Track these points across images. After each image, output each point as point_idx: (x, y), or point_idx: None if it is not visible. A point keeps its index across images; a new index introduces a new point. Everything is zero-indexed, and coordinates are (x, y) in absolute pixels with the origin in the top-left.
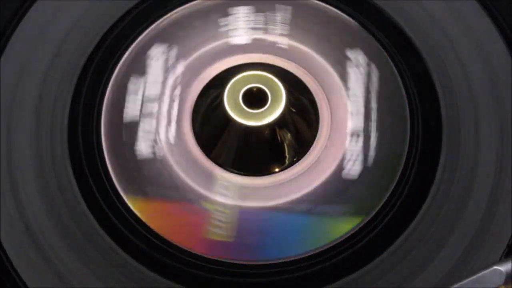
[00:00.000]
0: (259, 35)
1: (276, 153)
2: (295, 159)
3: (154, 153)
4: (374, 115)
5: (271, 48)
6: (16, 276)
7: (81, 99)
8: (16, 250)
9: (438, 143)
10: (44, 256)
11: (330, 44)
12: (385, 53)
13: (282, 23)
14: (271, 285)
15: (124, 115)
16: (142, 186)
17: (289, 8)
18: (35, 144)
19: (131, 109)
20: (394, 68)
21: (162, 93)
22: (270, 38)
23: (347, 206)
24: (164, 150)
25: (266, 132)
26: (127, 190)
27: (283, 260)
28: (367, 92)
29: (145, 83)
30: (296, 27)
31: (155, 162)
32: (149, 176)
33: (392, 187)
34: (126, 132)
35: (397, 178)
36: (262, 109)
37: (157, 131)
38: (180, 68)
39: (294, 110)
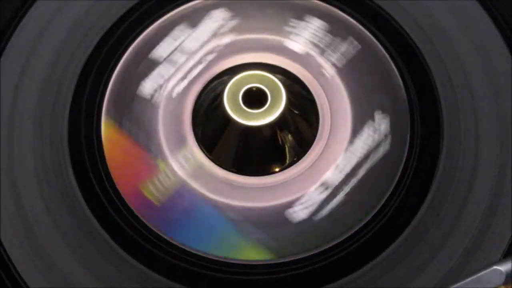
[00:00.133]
0: (314, 53)
1: (276, 153)
2: (295, 159)
3: (152, 95)
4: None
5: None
6: (17, 275)
7: (81, 99)
8: (16, 250)
9: (438, 143)
10: (44, 256)
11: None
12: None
13: (342, 54)
14: (271, 284)
15: (153, 52)
16: (122, 114)
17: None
18: (36, 144)
19: (161, 49)
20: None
21: (196, 51)
22: (320, 60)
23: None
24: (162, 98)
25: (266, 132)
26: (108, 112)
27: (282, 260)
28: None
29: (189, 34)
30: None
31: (147, 103)
32: (134, 111)
33: (392, 187)
34: (144, 65)
35: (397, 178)
36: (262, 109)
37: (168, 79)
38: (226, 39)
39: (294, 110)
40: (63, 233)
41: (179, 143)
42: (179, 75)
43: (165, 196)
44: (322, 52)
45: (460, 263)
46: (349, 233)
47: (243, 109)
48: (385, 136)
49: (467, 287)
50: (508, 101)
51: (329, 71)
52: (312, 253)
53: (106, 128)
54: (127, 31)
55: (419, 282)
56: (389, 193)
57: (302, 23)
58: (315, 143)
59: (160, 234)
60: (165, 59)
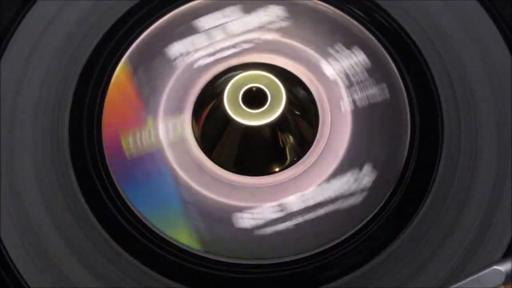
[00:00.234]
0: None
1: (276, 153)
2: (295, 159)
3: (175, 58)
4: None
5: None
6: (18, 275)
7: (82, 99)
8: (16, 250)
9: (438, 143)
10: (44, 255)
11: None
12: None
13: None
14: (270, 284)
15: (197, 20)
16: (140, 64)
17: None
18: (36, 144)
19: (206, 21)
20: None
21: (236, 35)
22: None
23: None
24: (182, 64)
25: (266, 132)
26: (130, 57)
27: (281, 260)
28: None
29: (238, 18)
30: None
31: (168, 63)
32: (152, 65)
33: (392, 187)
34: (184, 28)
35: (397, 178)
36: (262, 109)
37: (197, 50)
38: (268, 36)
39: (294, 110)
40: (63, 232)
41: (175, 111)
42: (209, 50)
43: (138, 152)
44: (350, 85)
45: (460, 263)
46: (349, 234)
47: (243, 109)
48: (364, 190)
49: (467, 287)
50: (508, 101)
51: (346, 106)
52: (312, 252)
53: (120, 71)
54: (127, 31)
55: (419, 282)
56: (389, 193)
57: (347, 52)
58: (315, 143)
59: (161, 234)
60: (204, 30)
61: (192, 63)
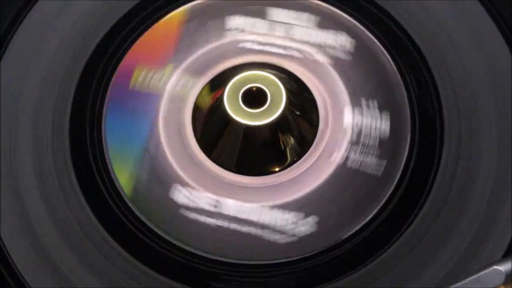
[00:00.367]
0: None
1: (276, 153)
2: (295, 159)
3: (228, 30)
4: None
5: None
6: (19, 275)
7: (82, 99)
8: (16, 250)
9: (439, 142)
10: (45, 256)
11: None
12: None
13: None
14: (269, 284)
15: (272, 8)
16: (193, 18)
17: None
18: (36, 144)
19: (278, 13)
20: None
21: (290, 38)
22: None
23: None
24: (224, 36)
25: (266, 131)
26: (192, 8)
27: (281, 260)
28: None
29: (306, 26)
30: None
31: (218, 29)
32: (205, 22)
33: (393, 187)
34: (253, 8)
35: (397, 178)
36: (262, 109)
37: (251, 33)
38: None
39: (294, 110)
40: (63, 232)
41: (195, 73)
42: (261, 39)
43: (140, 87)
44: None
45: (460, 263)
46: (349, 234)
47: (243, 109)
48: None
49: (467, 287)
50: (508, 101)
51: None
52: (312, 252)
53: (177, 13)
54: (128, 31)
55: (419, 282)
56: (389, 193)
57: (376, 112)
58: (315, 143)
59: (161, 234)
60: (271, 20)
61: (238, 41)
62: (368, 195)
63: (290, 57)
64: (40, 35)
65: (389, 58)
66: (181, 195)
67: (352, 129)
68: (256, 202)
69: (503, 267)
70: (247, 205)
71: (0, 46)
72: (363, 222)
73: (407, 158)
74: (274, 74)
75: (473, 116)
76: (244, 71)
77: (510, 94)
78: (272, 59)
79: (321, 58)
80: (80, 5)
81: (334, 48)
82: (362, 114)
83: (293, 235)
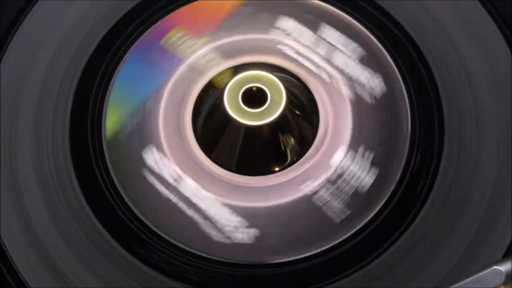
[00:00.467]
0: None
1: (276, 153)
2: (295, 159)
3: (273, 28)
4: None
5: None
6: (19, 275)
7: (83, 100)
8: (16, 250)
9: (439, 143)
10: (45, 256)
11: None
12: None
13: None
14: (269, 284)
15: (327, 27)
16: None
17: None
18: (37, 144)
19: (329, 33)
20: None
21: (327, 60)
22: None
23: None
24: (268, 34)
25: (266, 131)
26: None
27: (281, 260)
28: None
29: (349, 56)
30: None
31: (264, 22)
32: (257, 10)
33: (393, 187)
34: (312, 19)
35: (397, 178)
36: (262, 109)
37: (295, 40)
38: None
39: (294, 110)
40: (63, 232)
41: (224, 54)
42: (302, 49)
43: (169, 47)
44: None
45: (460, 263)
46: (349, 234)
47: (243, 108)
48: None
49: (467, 287)
50: (508, 101)
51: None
52: (311, 252)
53: None
54: (129, 32)
55: (419, 282)
56: (389, 193)
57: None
58: (315, 143)
59: (161, 234)
60: (319, 36)
61: (279, 42)
62: (320, 232)
63: (318, 77)
64: (40, 35)
65: (409, 115)
66: (151, 157)
67: (336, 169)
68: (256, 202)
69: (503, 267)
70: (204, 192)
71: (0, 46)
72: (363, 222)
73: (407, 158)
74: (274, 74)
75: (474, 116)
76: (244, 71)
77: (510, 94)
78: (299, 71)
79: (345, 90)
80: (80, 5)
81: (363, 86)
82: (353, 160)
83: (228, 238)
